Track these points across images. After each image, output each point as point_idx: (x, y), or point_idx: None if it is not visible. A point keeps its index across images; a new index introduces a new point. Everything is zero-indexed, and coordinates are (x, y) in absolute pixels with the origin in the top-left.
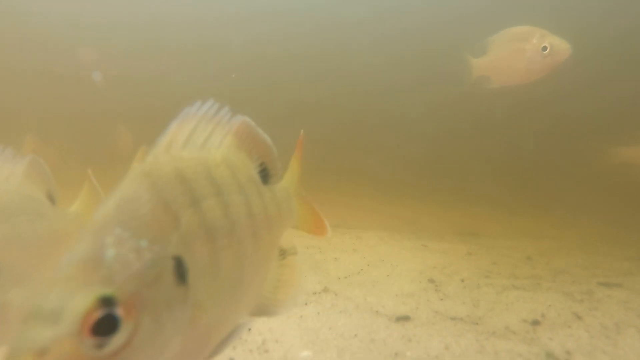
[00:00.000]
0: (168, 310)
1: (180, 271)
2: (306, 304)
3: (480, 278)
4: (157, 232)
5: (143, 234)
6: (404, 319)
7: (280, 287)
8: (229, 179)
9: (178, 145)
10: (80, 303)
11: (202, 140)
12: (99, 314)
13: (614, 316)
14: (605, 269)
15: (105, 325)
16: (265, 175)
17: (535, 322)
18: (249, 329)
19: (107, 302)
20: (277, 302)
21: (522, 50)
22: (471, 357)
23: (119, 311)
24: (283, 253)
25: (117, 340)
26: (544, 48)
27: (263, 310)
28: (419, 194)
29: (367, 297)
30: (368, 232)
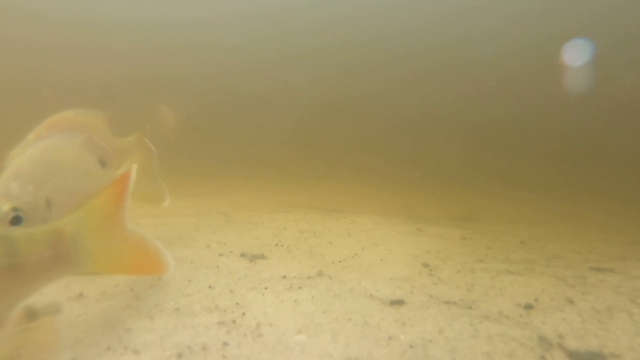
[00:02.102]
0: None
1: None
2: (300, 287)
3: (474, 262)
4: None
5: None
6: (398, 303)
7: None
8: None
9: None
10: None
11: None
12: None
13: (606, 300)
14: (598, 254)
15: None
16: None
17: (529, 307)
18: (243, 313)
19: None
20: None
21: None
22: (465, 341)
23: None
24: (32, 314)
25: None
26: None
27: None
28: (413, 182)
29: (362, 281)
30: (363, 217)
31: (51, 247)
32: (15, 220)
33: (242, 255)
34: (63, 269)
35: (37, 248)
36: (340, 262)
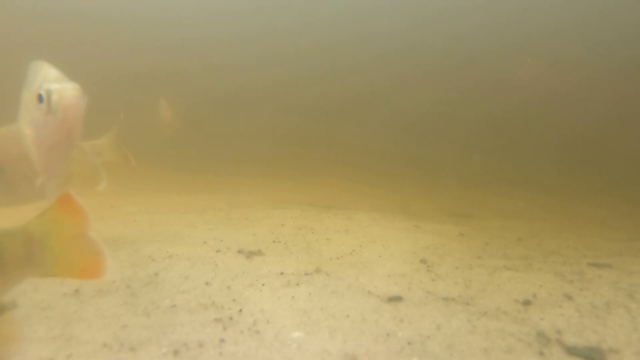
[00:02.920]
0: None
1: None
2: (298, 284)
3: (472, 259)
4: None
5: None
6: (396, 299)
7: None
8: None
9: None
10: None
11: None
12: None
13: (604, 296)
14: (595, 250)
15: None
16: None
17: (527, 302)
18: (240, 310)
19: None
20: None
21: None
22: (463, 337)
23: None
24: None
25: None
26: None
27: None
28: (410, 179)
29: (359, 278)
30: (360, 214)
31: (24, 246)
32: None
33: (239, 251)
34: (30, 269)
35: (16, 246)
36: (337, 258)
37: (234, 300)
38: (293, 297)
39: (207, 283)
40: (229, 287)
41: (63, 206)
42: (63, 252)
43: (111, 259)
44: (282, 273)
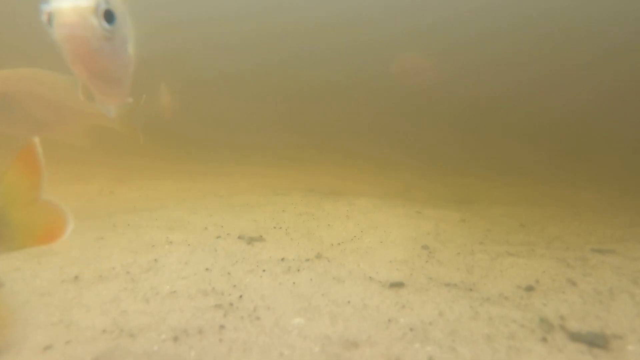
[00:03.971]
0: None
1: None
2: (299, 270)
3: (474, 244)
4: None
5: None
6: (397, 285)
7: None
8: None
9: None
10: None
11: None
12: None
13: (607, 282)
14: (598, 236)
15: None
16: None
17: (530, 288)
18: (240, 296)
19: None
20: None
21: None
22: (465, 323)
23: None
24: None
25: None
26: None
27: None
28: (410, 166)
29: (361, 264)
30: (361, 199)
31: None
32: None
33: (239, 237)
34: None
35: None
36: (338, 244)
37: (234, 286)
38: (294, 283)
39: (207, 269)
40: (229, 273)
41: (23, 166)
42: (27, 222)
43: (70, 216)
44: (282, 259)
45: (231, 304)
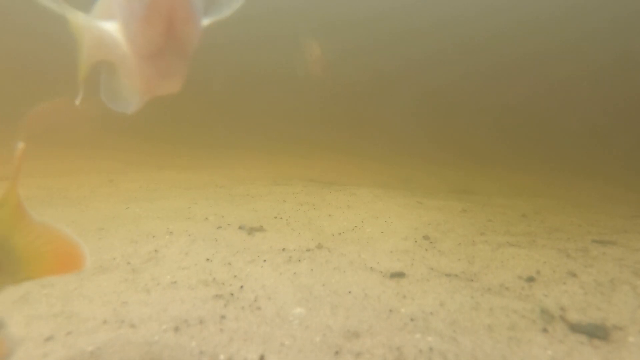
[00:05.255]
0: None
1: None
2: (299, 260)
3: (475, 235)
4: None
5: None
6: (398, 275)
7: None
8: None
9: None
10: None
11: None
12: None
13: (608, 273)
14: (599, 227)
15: None
16: None
17: (531, 279)
18: (241, 286)
19: None
20: None
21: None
22: (466, 313)
23: None
24: None
25: None
26: None
27: None
28: (413, 151)
29: (362, 254)
30: (362, 189)
31: None
32: None
33: (240, 227)
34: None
35: None
36: (339, 234)
37: (235, 276)
38: (294, 273)
39: (207, 259)
40: (230, 264)
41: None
42: (31, 250)
43: (84, 246)
44: (283, 249)
45: (232, 294)
